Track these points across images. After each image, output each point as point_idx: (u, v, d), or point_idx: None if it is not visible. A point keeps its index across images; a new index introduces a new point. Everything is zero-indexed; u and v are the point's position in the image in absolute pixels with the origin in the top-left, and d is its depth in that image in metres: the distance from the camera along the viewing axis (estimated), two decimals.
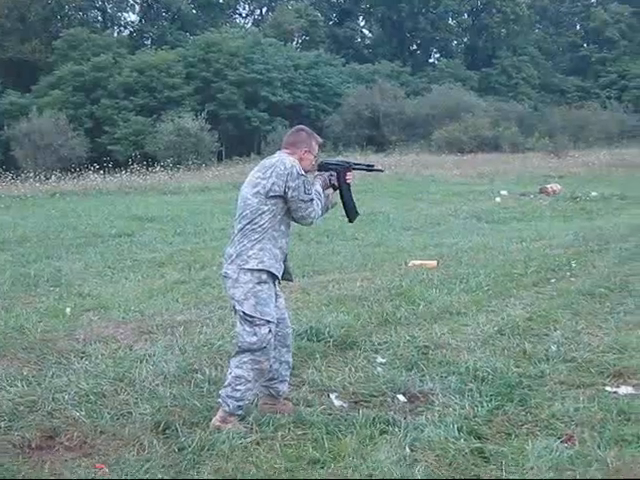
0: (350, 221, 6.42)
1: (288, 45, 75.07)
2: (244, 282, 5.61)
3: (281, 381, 6.00)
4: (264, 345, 5.62)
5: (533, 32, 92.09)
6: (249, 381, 5.65)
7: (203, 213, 22.17)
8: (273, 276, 5.69)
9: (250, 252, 5.61)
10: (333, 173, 6.15)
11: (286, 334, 6.00)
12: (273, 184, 5.60)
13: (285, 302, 6.10)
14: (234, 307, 5.72)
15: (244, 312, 5.61)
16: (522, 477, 4.75)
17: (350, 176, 6.22)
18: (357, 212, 6.37)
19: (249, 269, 5.60)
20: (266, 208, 5.61)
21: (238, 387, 5.64)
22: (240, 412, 5.68)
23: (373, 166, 6.73)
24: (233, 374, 5.68)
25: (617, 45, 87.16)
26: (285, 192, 5.60)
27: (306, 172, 5.85)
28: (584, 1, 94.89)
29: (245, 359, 5.64)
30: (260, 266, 5.60)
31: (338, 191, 6.19)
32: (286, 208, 5.68)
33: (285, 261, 5.86)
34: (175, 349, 7.60)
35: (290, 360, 6.10)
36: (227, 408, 5.64)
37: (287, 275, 5.94)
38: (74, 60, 62.14)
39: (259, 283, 5.61)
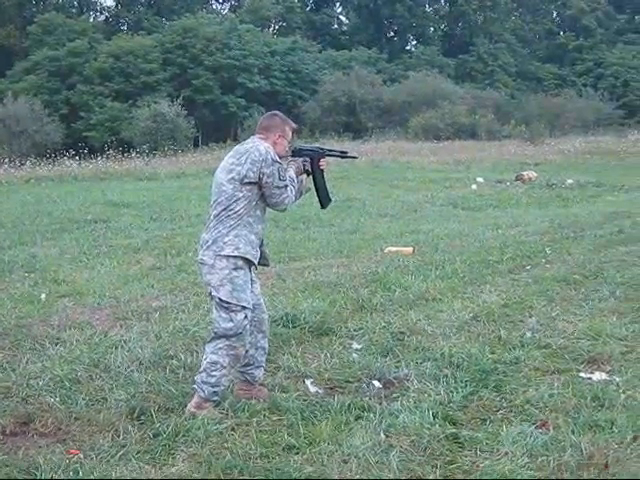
0: (323, 207, 6.42)
1: (265, 31, 74.82)
2: (220, 268, 5.60)
3: (257, 367, 5.99)
4: (240, 331, 5.61)
5: (510, 19, 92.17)
6: (224, 367, 5.64)
7: (179, 199, 22.10)
8: (249, 262, 5.68)
9: (226, 239, 5.60)
10: (307, 159, 6.14)
11: (262, 320, 5.98)
12: (248, 170, 5.58)
13: (261, 288, 6.09)
14: (210, 293, 5.71)
15: (220, 298, 5.60)
16: (496, 462, 4.77)
17: (324, 162, 6.24)
18: (330, 199, 6.37)
19: (225, 255, 5.59)
20: (241, 195, 5.60)
21: (213, 373, 5.63)
22: (215, 398, 5.67)
23: (347, 153, 6.72)
24: (208, 360, 5.67)
25: (593, 33, 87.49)
26: (260, 178, 5.59)
27: (280, 157, 5.84)
28: None
29: (221, 345, 5.63)
30: (236, 252, 5.59)
31: (312, 177, 6.18)
32: (261, 194, 5.67)
33: (261, 246, 5.85)
34: (150, 335, 7.58)
35: (266, 346, 6.09)
36: (202, 394, 5.63)
37: (263, 260, 5.93)
38: (49, 45, 61.75)
39: (235, 269, 5.60)
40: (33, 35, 64.55)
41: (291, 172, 5.93)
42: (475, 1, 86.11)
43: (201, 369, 5.71)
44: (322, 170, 6.23)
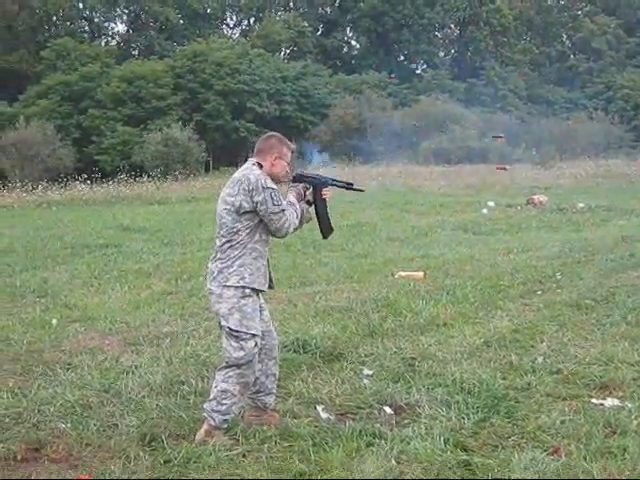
0: (324, 237, 6.35)
1: (276, 56, 75.08)
2: (228, 297, 5.62)
3: (267, 394, 5.99)
4: (250, 359, 5.63)
5: (520, 43, 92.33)
6: (235, 395, 5.65)
7: (190, 223, 22.15)
8: (257, 290, 5.72)
9: (231, 269, 5.63)
10: (309, 186, 6.10)
11: (272, 346, 5.98)
12: (242, 201, 5.61)
13: (272, 313, 6.11)
14: (219, 323, 5.73)
15: (230, 327, 5.61)
16: None
17: (327, 192, 6.16)
18: (332, 229, 6.30)
19: (230, 286, 5.62)
20: (241, 225, 5.62)
21: (224, 401, 5.64)
22: (225, 426, 5.68)
23: (353, 185, 6.52)
24: (219, 388, 5.67)
25: (604, 56, 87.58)
26: (255, 207, 5.60)
27: (280, 180, 5.90)
28: (571, 12, 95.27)
29: (231, 373, 5.64)
30: (242, 283, 5.61)
31: (313, 206, 6.13)
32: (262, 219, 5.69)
33: (269, 268, 5.87)
34: (161, 361, 7.59)
35: (276, 372, 6.09)
36: (212, 422, 5.64)
37: (269, 282, 5.94)
38: (62, 70, 62.05)
39: (243, 297, 5.62)
40: (46, 60, 64.86)
41: (291, 197, 5.92)
42: (485, 26, 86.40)
43: (211, 397, 5.70)
44: (324, 200, 6.15)
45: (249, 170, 5.73)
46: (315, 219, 6.19)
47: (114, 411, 6.21)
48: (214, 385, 5.73)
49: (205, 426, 5.67)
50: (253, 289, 5.66)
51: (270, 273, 5.90)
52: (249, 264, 5.63)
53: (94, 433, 5.74)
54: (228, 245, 5.65)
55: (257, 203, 5.57)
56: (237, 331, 5.60)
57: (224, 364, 5.71)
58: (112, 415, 6.13)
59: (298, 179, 6.09)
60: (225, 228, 5.66)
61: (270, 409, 6.05)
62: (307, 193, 6.07)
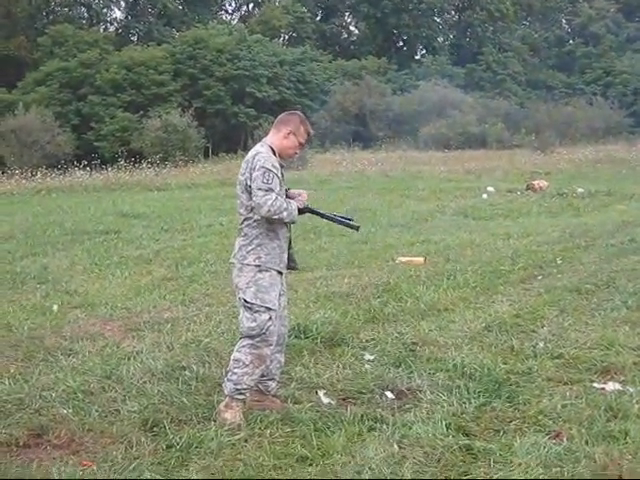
0: (357, 230, 6.51)
1: (274, 41, 74.90)
2: (246, 272, 5.80)
3: (270, 379, 6.03)
4: (263, 331, 5.73)
5: (519, 28, 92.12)
6: (246, 365, 5.73)
7: (190, 210, 22.12)
8: (273, 269, 5.84)
9: (249, 247, 5.81)
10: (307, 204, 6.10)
11: (281, 333, 6.04)
12: (246, 179, 5.76)
13: (286, 300, 6.13)
14: (237, 295, 5.86)
15: (245, 299, 5.77)
16: (510, 473, 4.76)
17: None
18: (355, 225, 6.40)
19: (247, 264, 5.77)
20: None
21: (235, 370, 5.75)
22: (239, 397, 5.75)
23: (351, 220, 6.44)
24: (232, 357, 5.85)
25: (603, 41, 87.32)
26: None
27: (288, 156, 6.08)
28: None
29: (244, 343, 5.78)
30: (257, 262, 5.77)
31: (322, 218, 6.32)
32: None
33: (289, 249, 6.01)
34: (162, 346, 7.60)
35: (282, 359, 6.20)
36: (226, 390, 5.77)
37: (292, 263, 6.09)
38: (60, 57, 61.76)
39: (260, 271, 5.78)
40: (44, 46, 64.61)
41: (292, 202, 5.88)
42: (483, 11, 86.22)
43: (228, 368, 5.87)
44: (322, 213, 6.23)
45: (256, 150, 5.86)
46: (337, 224, 6.50)
47: (116, 397, 6.22)
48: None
49: (225, 398, 5.81)
50: (269, 268, 5.78)
51: (292, 254, 6.09)
52: (266, 244, 5.79)
53: (96, 419, 5.75)
54: (246, 223, 5.83)
55: (251, 178, 5.69)
56: (252, 303, 5.74)
57: (239, 336, 5.88)
58: (114, 401, 6.13)
59: (306, 211, 6.06)
60: (242, 207, 5.83)
61: (272, 394, 6.08)
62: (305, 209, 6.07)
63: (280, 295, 5.92)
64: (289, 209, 5.76)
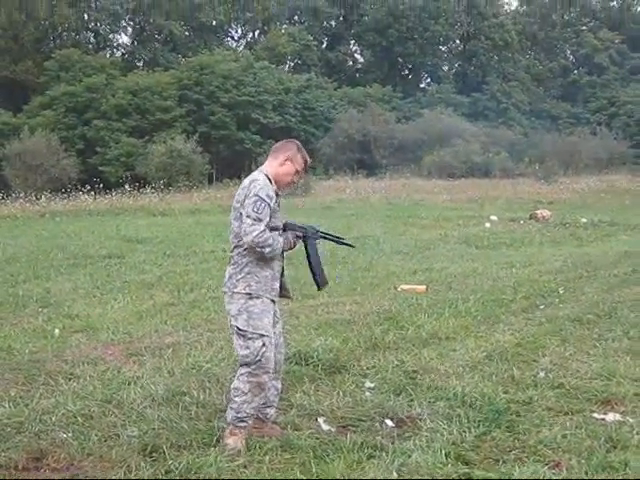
0: (319, 289, 6.26)
1: (280, 68, 75.22)
2: (237, 299, 5.74)
3: (269, 406, 6.00)
4: (258, 358, 5.69)
5: (524, 58, 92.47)
6: (245, 393, 5.70)
7: (193, 235, 22.16)
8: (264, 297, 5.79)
9: (239, 276, 5.75)
10: (300, 235, 6.02)
11: (277, 360, 5.96)
12: (241, 206, 5.70)
13: (282, 326, 6.10)
14: (230, 322, 5.83)
15: (238, 327, 5.73)
16: None
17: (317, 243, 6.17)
18: (326, 281, 6.24)
19: (237, 292, 5.73)
20: None
21: (235, 398, 5.73)
22: (241, 424, 5.72)
23: (343, 239, 6.49)
24: (232, 385, 5.84)
25: (607, 72, 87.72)
26: None
27: (284, 184, 5.99)
28: (575, 27, 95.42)
29: (242, 371, 5.74)
30: (247, 290, 5.72)
31: (306, 257, 6.13)
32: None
33: (282, 277, 5.97)
34: (163, 371, 7.59)
35: (279, 386, 6.14)
36: (228, 418, 5.76)
37: (284, 292, 6.03)
38: (66, 81, 62.09)
39: (251, 299, 5.72)
40: (50, 71, 64.86)
41: (280, 238, 5.80)
42: (488, 41, 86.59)
43: (229, 396, 5.88)
44: (317, 251, 6.13)
45: (253, 177, 5.82)
46: (309, 270, 6.19)
47: (116, 421, 6.20)
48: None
49: (226, 427, 5.81)
50: (260, 295, 5.75)
51: (285, 283, 6.01)
52: (256, 272, 5.74)
53: (95, 443, 5.73)
54: (237, 251, 5.77)
55: (244, 205, 5.64)
56: (244, 330, 5.70)
57: (239, 364, 5.84)
58: (114, 425, 6.12)
59: (289, 227, 5.98)
60: (233, 234, 5.78)
61: (271, 421, 6.06)
62: (296, 241, 5.99)
63: (275, 323, 5.91)
64: (273, 246, 5.66)
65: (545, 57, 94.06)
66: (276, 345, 5.90)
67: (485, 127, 68.65)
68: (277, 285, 5.89)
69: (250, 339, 5.69)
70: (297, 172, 6.00)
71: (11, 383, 7.26)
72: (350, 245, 6.71)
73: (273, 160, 5.94)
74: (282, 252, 5.87)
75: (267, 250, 5.63)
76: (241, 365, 5.76)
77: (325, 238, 6.29)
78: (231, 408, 5.76)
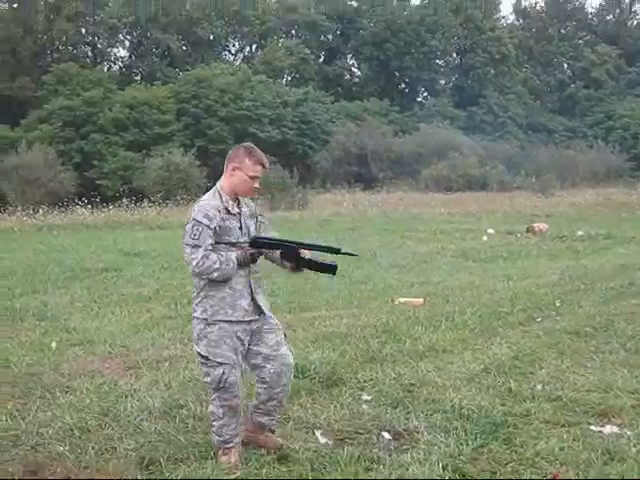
0: (334, 273, 5.83)
1: (277, 82, 75.38)
2: (196, 324, 5.63)
3: (264, 414, 5.89)
4: (221, 385, 5.58)
5: (520, 71, 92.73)
6: (221, 417, 5.65)
7: None
8: (222, 321, 5.57)
9: (197, 300, 5.62)
10: (263, 251, 5.65)
11: (280, 372, 5.75)
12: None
13: (280, 337, 5.91)
14: (194, 347, 5.77)
15: (199, 352, 5.65)
16: None
17: (305, 253, 5.73)
18: (333, 266, 5.78)
19: (196, 317, 5.62)
20: None
21: (213, 422, 5.70)
22: (227, 446, 5.65)
23: (340, 250, 5.80)
24: (208, 410, 5.81)
25: (604, 85, 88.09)
26: None
27: (244, 194, 5.68)
28: (572, 41, 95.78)
29: (214, 396, 5.68)
30: (204, 315, 5.56)
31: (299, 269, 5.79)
32: (218, 247, 5.50)
33: (253, 296, 5.66)
34: (160, 384, 7.59)
35: (282, 400, 5.92)
36: (214, 442, 5.71)
37: (257, 310, 5.72)
38: (64, 95, 62.18)
39: (208, 325, 5.56)
40: (48, 84, 64.99)
41: (232, 254, 5.50)
42: (484, 54, 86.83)
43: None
44: (305, 259, 5.71)
45: (201, 197, 5.70)
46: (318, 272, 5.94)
47: (112, 434, 6.20)
48: None
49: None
50: (216, 320, 5.56)
51: (256, 300, 5.67)
52: (212, 295, 5.53)
53: (92, 456, 5.73)
54: (193, 276, 5.60)
55: (184, 232, 5.47)
56: (205, 357, 5.59)
57: None
58: (110, 438, 6.12)
59: (256, 244, 5.60)
60: (185, 259, 5.54)
61: (267, 430, 5.96)
62: (256, 256, 5.61)
63: (266, 334, 5.71)
64: (222, 268, 5.41)
65: (542, 71, 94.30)
66: (273, 357, 5.73)
67: (482, 140, 68.76)
68: (244, 303, 5.59)
69: (211, 367, 5.56)
70: (252, 177, 5.60)
71: (8, 396, 7.27)
72: (353, 254, 5.96)
73: (225, 172, 5.65)
74: (247, 267, 5.58)
75: (215, 275, 5.42)
76: (210, 390, 5.70)
77: (313, 249, 5.77)
78: (213, 432, 5.70)
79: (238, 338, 5.60)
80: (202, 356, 5.59)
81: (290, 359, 5.85)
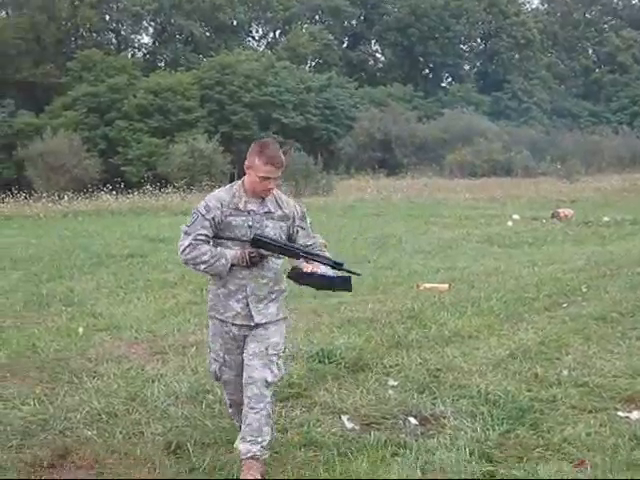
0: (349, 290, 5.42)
1: (301, 68, 75.27)
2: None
3: (241, 437, 5.35)
4: (216, 378, 5.62)
5: (545, 56, 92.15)
6: (229, 407, 5.74)
7: None
8: (216, 318, 5.46)
9: (209, 295, 5.54)
10: (263, 253, 5.24)
11: (245, 384, 5.29)
12: None
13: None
14: None
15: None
16: None
17: (309, 268, 5.30)
18: (347, 282, 5.35)
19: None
20: None
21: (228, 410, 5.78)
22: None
23: (342, 264, 5.40)
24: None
25: (630, 70, 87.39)
26: None
27: (256, 194, 5.30)
28: (597, 26, 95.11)
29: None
30: (207, 306, 5.52)
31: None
32: (219, 244, 5.31)
33: (247, 301, 5.31)
34: (187, 369, 7.62)
35: (249, 417, 5.23)
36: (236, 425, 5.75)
37: (250, 317, 5.37)
38: (88, 81, 62.38)
39: (209, 317, 5.52)
40: (73, 71, 65.22)
41: (227, 252, 5.22)
42: (509, 39, 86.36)
43: None
44: (310, 273, 5.26)
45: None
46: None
47: (140, 419, 6.24)
48: None
49: None
50: (211, 315, 5.47)
51: (250, 310, 5.30)
52: (212, 290, 5.45)
53: (120, 441, 5.77)
54: None
55: None
56: (209, 347, 5.63)
57: None
58: (138, 423, 6.15)
59: (256, 244, 5.24)
60: None
61: (245, 457, 5.18)
62: (254, 258, 5.19)
63: (249, 340, 5.33)
64: (209, 262, 5.18)
65: (567, 56, 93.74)
66: (246, 367, 5.29)
67: (507, 126, 68.50)
68: (236, 305, 5.29)
69: (211, 359, 5.56)
70: (262, 178, 5.20)
71: (36, 381, 7.32)
72: (357, 273, 5.51)
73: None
74: (246, 268, 5.25)
75: (202, 267, 5.21)
76: None
77: (313, 260, 5.33)
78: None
79: (232, 338, 5.39)
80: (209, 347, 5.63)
81: (260, 374, 5.22)
